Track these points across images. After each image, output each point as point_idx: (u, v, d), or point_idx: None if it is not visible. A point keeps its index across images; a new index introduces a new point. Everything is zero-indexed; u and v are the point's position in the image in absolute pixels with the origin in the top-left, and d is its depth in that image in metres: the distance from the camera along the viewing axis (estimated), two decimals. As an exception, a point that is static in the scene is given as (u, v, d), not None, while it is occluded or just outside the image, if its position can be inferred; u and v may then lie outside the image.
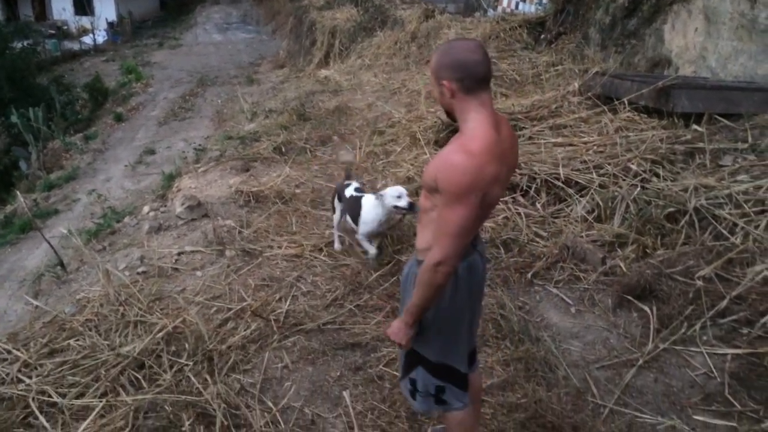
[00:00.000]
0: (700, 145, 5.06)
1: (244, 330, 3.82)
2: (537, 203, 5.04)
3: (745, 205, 4.23)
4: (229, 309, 4.03)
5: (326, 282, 4.37)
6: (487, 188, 2.15)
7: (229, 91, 15.29)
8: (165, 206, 5.73)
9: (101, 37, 21.27)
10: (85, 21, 21.89)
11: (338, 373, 3.54)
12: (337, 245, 4.75)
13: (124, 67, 17.36)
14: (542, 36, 10.37)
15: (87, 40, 20.51)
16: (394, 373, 3.48)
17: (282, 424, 3.18)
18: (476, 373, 2.81)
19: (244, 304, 4.06)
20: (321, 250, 4.77)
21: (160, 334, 3.67)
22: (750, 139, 4.96)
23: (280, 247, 4.80)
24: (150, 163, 11.52)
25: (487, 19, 12.00)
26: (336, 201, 4.67)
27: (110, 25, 22.04)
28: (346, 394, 3.34)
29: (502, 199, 4.99)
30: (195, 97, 15.39)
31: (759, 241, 3.97)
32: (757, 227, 4.06)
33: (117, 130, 13.83)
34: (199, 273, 4.54)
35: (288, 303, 4.11)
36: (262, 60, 18.20)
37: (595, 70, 6.95)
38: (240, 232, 5.02)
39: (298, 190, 5.83)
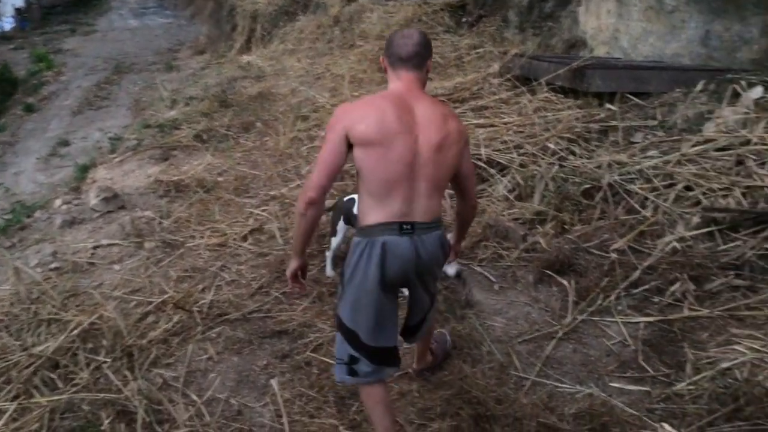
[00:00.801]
0: (613, 123, 5.24)
1: (166, 323, 3.73)
2: (460, 184, 5.08)
3: (654, 180, 4.41)
4: (150, 302, 3.92)
5: (251, 270, 4.31)
6: (350, 126, 2.40)
7: (147, 79, 14.78)
8: (79, 199, 5.50)
9: (8, 24, 20.15)
10: (-11, 7, 20.72)
11: (265, 362, 3.51)
12: (329, 270, 4.14)
13: (33, 55, 16.50)
14: (464, 19, 10.46)
15: (-8, 27, 19.45)
16: (322, 358, 3.48)
17: (207, 416, 3.13)
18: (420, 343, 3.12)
19: (165, 296, 3.96)
20: (245, 238, 4.70)
21: (76, 332, 3.53)
22: (659, 116, 5.16)
23: (202, 237, 4.71)
24: (64, 155, 11.01)
25: (410, 2, 11.99)
26: (341, 223, 4.01)
27: (17, 11, 20.90)
28: (273, 382, 3.31)
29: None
30: (111, 85, 14.81)
31: (668, 214, 4.16)
32: (665, 200, 4.24)
33: (28, 122, 13.16)
34: (117, 267, 4.40)
35: (212, 293, 4.03)
36: (182, 46, 17.65)
37: (514, 52, 7.08)
38: (160, 223, 4.88)
39: (220, 178, 5.72)
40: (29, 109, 13.56)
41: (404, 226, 2.40)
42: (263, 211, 5.03)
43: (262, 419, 3.13)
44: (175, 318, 3.76)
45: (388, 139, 2.38)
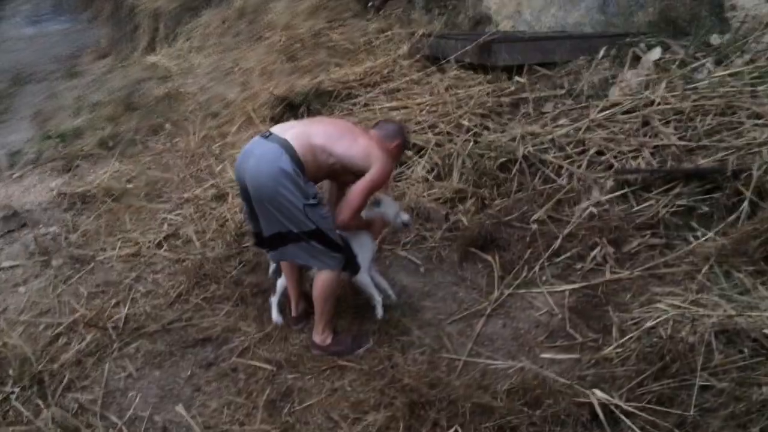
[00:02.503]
0: (524, 95, 5.25)
1: (78, 344, 3.47)
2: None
3: (567, 148, 4.43)
4: (60, 324, 3.65)
5: (168, 278, 4.08)
6: None
7: (48, 88, 13.91)
8: (-26, 221, 5.08)
9: None
10: None
11: (189, 373, 3.31)
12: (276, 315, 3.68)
13: None
14: (369, 4, 10.32)
15: None
16: (249, 362, 3.31)
17: (129, 438, 2.92)
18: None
19: (76, 315, 3.69)
20: (160, 245, 4.46)
21: (-22, 364, 3.23)
22: (566, 85, 5.20)
23: (113, 249, 4.43)
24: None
25: (315, -10, 11.77)
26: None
27: None
28: (180, 408, 3.09)
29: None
30: (10, 98, 13.87)
31: (582, 180, 4.18)
32: (579, 167, 4.27)
33: None
34: (22, 289, 4.08)
35: (127, 307, 3.78)
36: (83, 51, 16.68)
37: (421, 32, 7.00)
38: (66, 239, 4.57)
39: (130, 185, 5.41)
40: None
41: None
42: (177, 215, 4.79)
43: (190, 433, 2.95)
44: (88, 337, 3.51)
45: None
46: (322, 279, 3.18)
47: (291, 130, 3.09)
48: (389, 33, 8.31)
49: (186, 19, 13.25)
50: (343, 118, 5.36)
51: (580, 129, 4.53)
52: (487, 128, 4.97)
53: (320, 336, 3.32)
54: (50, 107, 12.75)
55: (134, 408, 3.09)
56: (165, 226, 4.64)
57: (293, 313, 3.56)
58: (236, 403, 3.09)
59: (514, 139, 4.65)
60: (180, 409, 3.06)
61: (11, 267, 4.27)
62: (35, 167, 6.00)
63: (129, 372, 3.32)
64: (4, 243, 4.65)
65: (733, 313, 2.98)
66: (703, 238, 3.53)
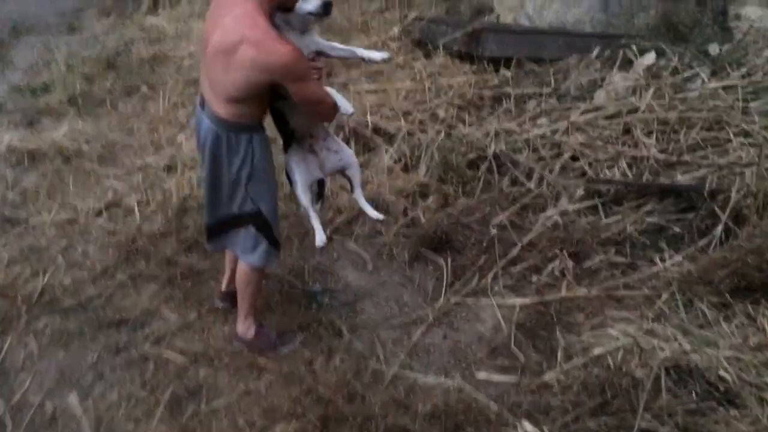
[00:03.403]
0: (507, 90, 4.92)
1: (-19, 313, 3.16)
2: (345, 153, 4.67)
3: (541, 150, 4.11)
4: (-30, 289, 3.34)
5: (100, 251, 3.76)
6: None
7: (46, 41, 13.56)
8: None
9: None
10: None
11: (95, 357, 3.01)
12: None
13: None
14: (375, -17, 9.97)
15: None
16: (161, 352, 3.01)
17: (10, 425, 2.62)
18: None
19: (-11, 281, 3.38)
20: (100, 213, 4.14)
21: None
22: (553, 83, 4.87)
23: (50, 213, 4.11)
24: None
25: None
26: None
27: None
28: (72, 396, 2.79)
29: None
30: (7, 49, 13.51)
31: (552, 185, 3.85)
32: (551, 171, 3.94)
33: None
34: (-60, 247, 3.77)
35: (46, 278, 3.47)
36: (88, 6, 16.34)
37: (414, 15, 6.65)
38: (2, 197, 4.25)
39: (86, 146, 5.07)
40: None
41: (201, 99, 2.63)
42: (125, 183, 4.46)
43: (77, 427, 2.65)
44: (-5, 307, 3.20)
45: (207, 32, 2.47)
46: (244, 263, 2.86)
47: (205, 86, 2.60)
48: (387, 14, 7.98)
49: (192, -17, 12.88)
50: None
51: (557, 131, 4.20)
52: (462, 121, 4.65)
53: (242, 325, 3.01)
54: (45, 61, 12.46)
55: (25, 391, 2.80)
56: (109, 194, 4.32)
57: (222, 288, 3.25)
58: (138, 397, 2.79)
59: (487, 135, 4.32)
60: (73, 398, 2.76)
61: (-65, 222, 3.96)
62: (-7, 119, 5.67)
63: (30, 350, 3.03)
64: (-63, 196, 4.33)
65: (689, 348, 2.67)
66: (670, 261, 3.21)
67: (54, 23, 15.37)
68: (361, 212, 4.00)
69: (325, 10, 2.42)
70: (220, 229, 2.83)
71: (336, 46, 2.61)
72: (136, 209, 4.12)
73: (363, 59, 2.61)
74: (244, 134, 2.56)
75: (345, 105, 2.50)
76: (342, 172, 2.90)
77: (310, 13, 2.41)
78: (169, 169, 4.53)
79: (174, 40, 9.44)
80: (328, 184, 4.13)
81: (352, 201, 2.97)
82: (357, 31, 7.63)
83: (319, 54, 2.56)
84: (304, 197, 2.77)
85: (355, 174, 2.89)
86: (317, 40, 2.56)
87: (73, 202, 4.22)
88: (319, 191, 3.01)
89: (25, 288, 3.37)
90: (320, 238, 2.76)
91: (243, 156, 2.57)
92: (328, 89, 2.50)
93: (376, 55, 2.59)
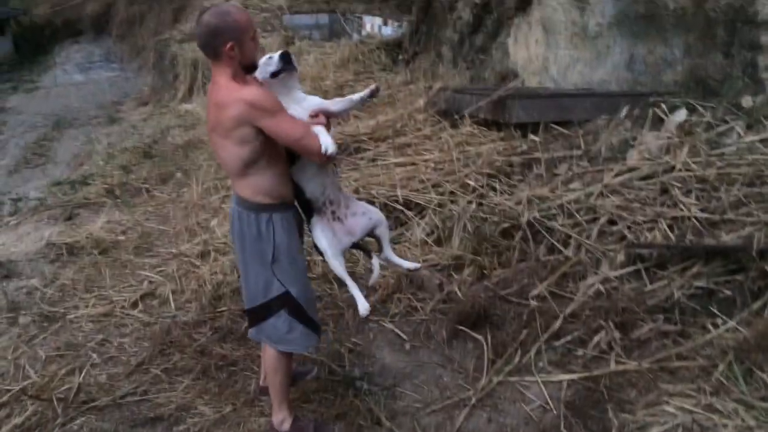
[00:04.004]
0: (536, 155, 4.84)
1: (19, 416, 3.12)
2: (376, 229, 4.63)
3: (576, 215, 3.99)
4: (8, 391, 3.32)
5: (135, 343, 3.74)
6: None
7: (88, 133, 14.17)
8: (-44, 270, 4.89)
9: (-54, 84, 19.34)
10: (-73, 68, 19.90)
11: (131, 458, 2.93)
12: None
13: (-29, 115, 15.78)
14: (399, 57, 10.22)
15: (-70, 88, 18.55)
16: (196, 448, 2.92)
17: None
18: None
19: (27, 383, 3.36)
20: (135, 304, 4.14)
21: None
22: (583, 145, 4.78)
23: (86, 306, 4.13)
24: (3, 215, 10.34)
25: (347, 43, 11.75)
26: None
27: (-42, 70, 20.15)
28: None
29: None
30: (51, 142, 14.14)
31: (591, 252, 3.72)
32: (588, 237, 3.81)
33: (-41, 183, 12.40)
34: (-18, 348, 3.79)
35: (82, 375, 3.44)
36: (127, 98, 17.12)
37: (438, 86, 6.72)
38: (41, 293, 4.29)
39: (122, 237, 5.16)
40: (-39, 170, 12.80)
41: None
42: (160, 272, 4.48)
43: None
44: (31, 409, 3.16)
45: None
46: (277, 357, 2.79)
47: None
48: (412, 86, 8.11)
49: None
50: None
51: (592, 194, 4.09)
52: (493, 189, 4.59)
53: (277, 417, 2.89)
54: (87, 152, 12.96)
55: (59, 499, 2.72)
56: (145, 284, 4.33)
57: (261, 383, 3.16)
58: (173, 499, 2.68)
59: (519, 203, 4.24)
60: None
61: (-24, 323, 4.00)
62: (35, 214, 5.83)
63: (66, 453, 2.96)
64: (-20, 295, 4.40)
65: (753, 423, 2.46)
66: (723, 328, 3.02)
67: (95, 115, 16.12)
68: (398, 289, 4.00)
69: (284, 61, 2.47)
70: (257, 316, 2.76)
71: (335, 101, 2.58)
72: (170, 299, 4.12)
73: (361, 101, 2.59)
74: (264, 213, 2.54)
75: (327, 142, 2.40)
76: (371, 232, 2.83)
77: (274, 74, 2.46)
78: (203, 255, 4.54)
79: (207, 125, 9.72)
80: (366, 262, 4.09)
81: (383, 260, 2.87)
82: (383, 105, 7.75)
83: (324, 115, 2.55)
84: (338, 266, 2.69)
85: (384, 232, 2.83)
86: (315, 100, 2.56)
87: (109, 295, 4.25)
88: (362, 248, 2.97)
89: (60, 388, 3.33)
90: (362, 306, 2.67)
91: (265, 237, 2.56)
92: (315, 128, 2.43)
93: (366, 91, 2.57)
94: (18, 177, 12.56)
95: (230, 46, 2.35)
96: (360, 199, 4.65)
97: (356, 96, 2.59)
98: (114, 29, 22.19)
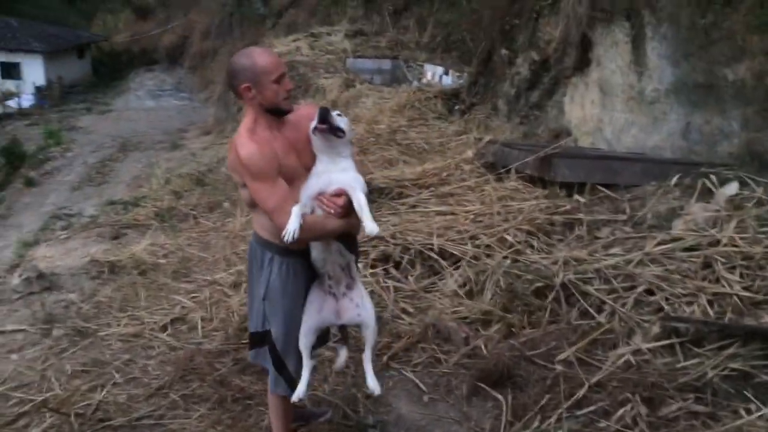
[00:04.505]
0: (579, 215, 4.76)
1: (36, 427, 3.19)
2: (410, 276, 4.61)
3: (613, 281, 3.88)
4: (31, 401, 3.40)
5: (158, 366, 3.79)
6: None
7: (150, 157, 14.74)
8: (3, 278, 5.09)
9: (27, 101, 20.50)
10: (10, 84, 21.16)
11: (137, 482, 2.94)
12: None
13: (45, 132, 16.65)
14: (456, 107, 10.30)
15: (12, 103, 19.68)
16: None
17: None
18: None
19: (49, 395, 3.43)
20: (165, 328, 4.22)
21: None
22: (628, 210, 4.69)
23: (119, 325, 4.22)
24: (56, 229, 10.78)
25: (406, 89, 11.94)
26: None
27: (38, 89, 21.34)
28: None
29: (372, 271, 4.60)
30: (115, 162, 14.79)
31: (625, 321, 3.60)
32: (624, 305, 3.69)
33: (26, 195, 13.04)
34: (14, 356, 3.92)
35: (103, 393, 3.50)
36: (191, 126, 17.78)
37: (488, 138, 6.73)
38: (78, 308, 4.41)
39: (163, 260, 5.29)
40: (29, 183, 13.49)
41: None
42: (193, 298, 4.55)
43: None
44: (48, 422, 3.22)
45: None
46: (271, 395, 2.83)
47: None
48: (464, 137, 8.15)
49: (285, 105, 13.77)
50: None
51: (631, 261, 3.98)
52: (531, 246, 4.52)
53: None
54: (147, 174, 13.46)
55: None
56: (177, 309, 4.42)
57: None
58: None
59: (556, 263, 4.15)
60: None
61: (12, 331, 4.13)
62: (84, 231, 6.04)
63: (75, 469, 3.00)
64: (22, 304, 4.57)
65: None
66: (757, 414, 2.85)
67: (160, 140, 16.79)
68: (423, 338, 3.95)
69: (321, 118, 2.41)
70: (254, 341, 2.81)
71: (359, 196, 2.43)
72: (199, 326, 4.17)
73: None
74: (268, 251, 2.60)
75: (289, 229, 2.36)
76: (358, 327, 2.72)
77: (313, 130, 2.45)
78: (235, 285, 4.60)
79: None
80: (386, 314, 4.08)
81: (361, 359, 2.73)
82: (434, 153, 7.81)
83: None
84: (305, 343, 2.63)
85: (370, 337, 2.67)
86: (343, 178, 2.47)
87: (141, 316, 4.34)
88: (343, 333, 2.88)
89: (80, 403, 3.39)
90: (298, 392, 2.61)
91: (263, 272, 2.62)
92: (293, 208, 2.40)
93: (368, 225, 2.38)
94: (79, 194, 13.16)
95: (245, 87, 2.42)
96: (396, 245, 4.75)
97: (366, 215, 2.40)
98: (187, 61, 23.25)
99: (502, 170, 5.77)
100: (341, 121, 2.49)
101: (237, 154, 2.43)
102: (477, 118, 9.05)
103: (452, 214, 5.22)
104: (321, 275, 2.65)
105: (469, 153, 6.63)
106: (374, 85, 13.25)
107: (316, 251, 2.59)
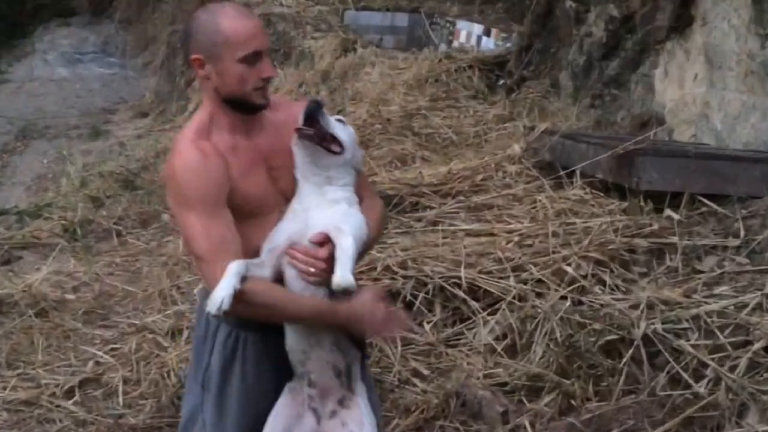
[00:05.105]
0: (672, 239, 4.81)
1: None
2: (426, 323, 4.67)
3: (719, 334, 3.91)
4: None
5: (59, 450, 3.84)
6: None
7: (62, 148, 14.88)
8: None
9: None
10: None
11: None
12: None
13: None
14: (500, 81, 10.40)
15: None
16: None
17: None
18: None
19: None
20: (71, 392, 4.28)
21: None
22: (742, 233, 4.72)
23: (5, 388, 4.29)
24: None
25: (429, 56, 12.05)
26: None
27: None
28: None
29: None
30: (11, 155, 14.97)
31: (734, 392, 3.61)
32: (733, 369, 3.72)
33: None
34: None
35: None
36: (122, 105, 17.97)
37: (543, 127, 6.79)
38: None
39: (71, 295, 5.38)
40: None
41: None
42: (113, 350, 4.63)
43: None
44: None
45: None
46: None
47: None
48: (509, 125, 8.23)
49: (253, 78, 13.91)
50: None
51: (746, 306, 4.02)
52: (601, 283, 4.56)
53: None
54: (56, 173, 13.59)
55: None
56: (89, 365, 4.49)
57: None
58: None
59: (637, 307, 4.19)
60: None
61: None
62: (-38, 253, 6.16)
63: None
64: None
65: None
66: None
67: (75, 125, 16.95)
68: (444, 412, 4.00)
69: (308, 115, 2.27)
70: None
71: (347, 240, 2.27)
72: (120, 390, 4.24)
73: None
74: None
75: (217, 296, 2.16)
76: None
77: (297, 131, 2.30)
78: (174, 333, 4.66)
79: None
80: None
81: None
82: (465, 147, 7.88)
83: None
84: None
85: None
86: (334, 216, 2.34)
87: (38, 375, 4.41)
88: None
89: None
90: None
91: (206, 344, 2.50)
92: (231, 265, 2.20)
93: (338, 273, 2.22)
94: (-43, 199, 13.29)
95: (195, 59, 2.32)
96: (406, 278, 4.79)
97: (343, 259, 2.24)
98: (118, 12, 23.50)
99: (562, 173, 5.80)
100: (340, 128, 2.37)
101: (166, 166, 2.37)
102: (529, 99, 9.14)
103: (489, 234, 5.28)
104: (298, 375, 2.46)
105: (516, 148, 6.69)
106: (384, 50, 13.39)
107: (294, 337, 2.40)
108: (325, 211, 2.33)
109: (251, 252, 2.31)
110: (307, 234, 2.30)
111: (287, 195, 2.40)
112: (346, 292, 2.22)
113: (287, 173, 2.40)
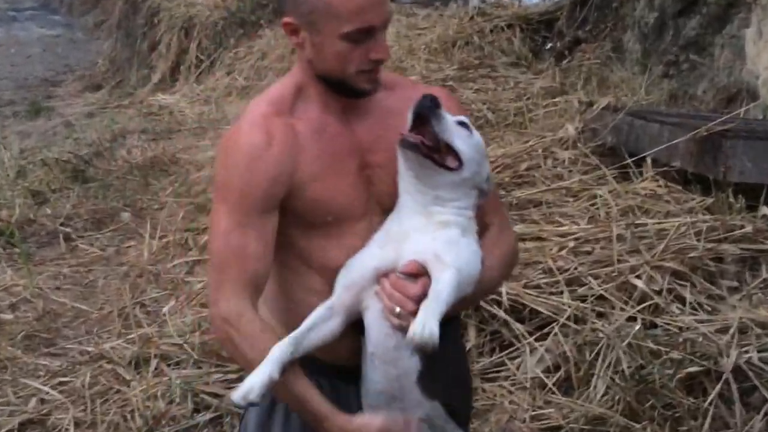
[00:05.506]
0: (769, 245, 4.83)
1: None
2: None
3: (831, 366, 3.93)
4: None
5: None
6: None
7: (-5, 128, 14.99)
8: None
9: None
10: None
11: None
12: None
13: None
14: (548, 44, 10.42)
15: None
16: None
17: None
18: None
19: None
20: (9, 437, 4.30)
21: None
22: None
23: None
24: None
25: (458, 12, 12.06)
26: None
27: None
28: None
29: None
30: (-70, 139, 15.06)
31: None
32: None
33: None
34: None
35: None
36: (69, 74, 18.07)
37: (604, 102, 6.81)
38: None
39: (8, 315, 5.41)
40: None
41: None
42: (60, 385, 4.66)
43: None
44: None
45: None
46: None
47: None
48: (561, 99, 8.23)
49: (235, 39, 13.98)
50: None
51: None
52: (680, 300, 4.57)
53: None
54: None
55: None
56: (31, 403, 4.51)
57: None
58: None
59: (726, 331, 4.21)
60: None
61: None
62: None
63: None
64: None
65: None
66: None
67: (11, 100, 17.05)
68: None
69: (417, 114, 2.09)
70: None
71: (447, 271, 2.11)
72: (70, 432, 4.26)
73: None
74: None
75: (247, 384, 2.07)
76: None
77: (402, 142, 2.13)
78: (138, 363, 4.68)
79: (194, 133, 10.15)
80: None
81: None
82: (505, 127, 7.90)
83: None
84: None
85: None
86: (444, 235, 2.18)
87: (-33, 415, 4.42)
88: None
89: None
90: None
91: None
92: (277, 350, 2.11)
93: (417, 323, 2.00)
94: None
95: (287, 23, 2.20)
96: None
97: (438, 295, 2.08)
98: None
99: (629, 160, 5.82)
100: (461, 135, 2.18)
101: (227, 135, 2.33)
102: (585, 67, 9.19)
103: (537, 239, 5.31)
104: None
105: (570, 129, 6.72)
106: (400, 4, 13.46)
107: (376, 376, 2.23)
108: (423, 236, 2.17)
109: (322, 273, 2.27)
110: (400, 263, 2.16)
111: (384, 204, 2.28)
112: (422, 350, 2.03)
113: (388, 175, 2.26)
